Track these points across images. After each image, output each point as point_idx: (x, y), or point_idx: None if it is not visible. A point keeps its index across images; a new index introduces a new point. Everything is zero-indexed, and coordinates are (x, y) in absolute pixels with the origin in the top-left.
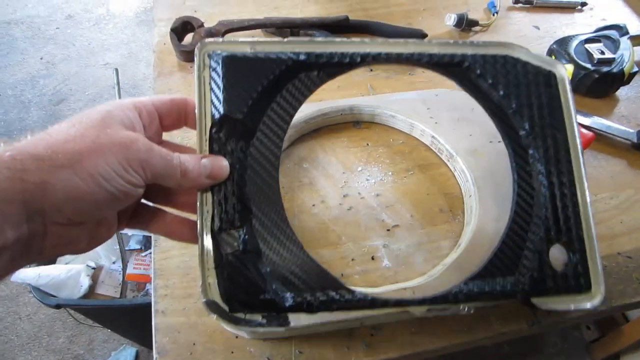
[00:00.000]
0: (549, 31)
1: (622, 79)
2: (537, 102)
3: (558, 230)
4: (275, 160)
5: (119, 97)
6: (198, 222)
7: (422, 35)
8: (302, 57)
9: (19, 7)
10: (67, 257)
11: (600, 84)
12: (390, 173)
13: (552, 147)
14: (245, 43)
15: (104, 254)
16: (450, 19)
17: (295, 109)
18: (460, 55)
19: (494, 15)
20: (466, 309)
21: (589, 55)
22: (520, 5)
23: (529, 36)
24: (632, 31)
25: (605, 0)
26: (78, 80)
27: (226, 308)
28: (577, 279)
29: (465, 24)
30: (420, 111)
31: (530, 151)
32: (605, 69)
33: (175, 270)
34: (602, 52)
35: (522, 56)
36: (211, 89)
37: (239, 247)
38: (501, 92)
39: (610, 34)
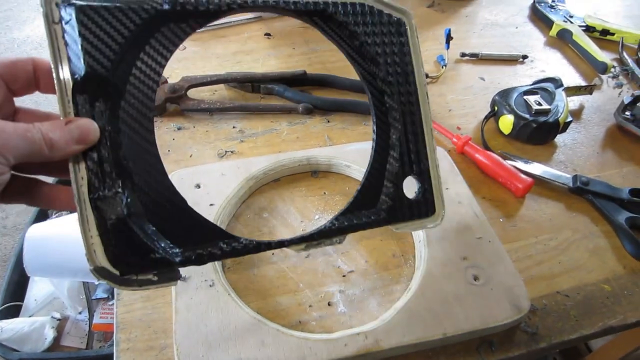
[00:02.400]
0: (493, 82)
1: (557, 127)
2: (390, 49)
3: (410, 163)
4: (149, 119)
5: None
6: (74, 190)
7: None
8: (165, 6)
9: None
10: (31, 309)
11: (538, 133)
12: None
13: (403, 91)
14: None
15: (70, 304)
16: None
17: (166, 60)
18: (322, 3)
19: (443, 67)
20: (338, 241)
21: (528, 106)
22: (467, 58)
23: (475, 87)
24: (567, 82)
25: (545, 54)
26: None
27: (117, 272)
28: (425, 205)
29: None
30: None
31: (386, 94)
32: (542, 119)
33: (137, 323)
34: (539, 104)
35: (375, 4)
36: (66, 44)
37: (122, 212)
38: (359, 40)
39: (546, 86)
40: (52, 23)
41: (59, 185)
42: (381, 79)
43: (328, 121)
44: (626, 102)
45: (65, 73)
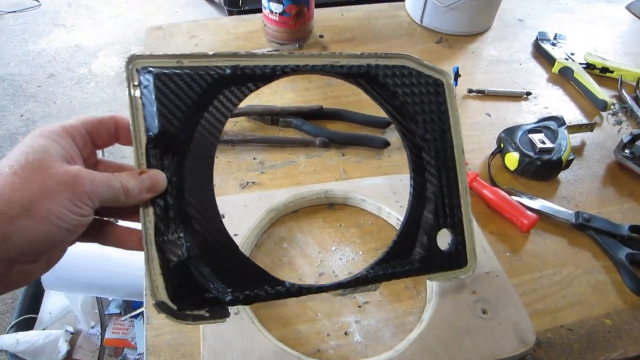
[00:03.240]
0: (499, 118)
1: (560, 165)
2: (429, 108)
3: (444, 216)
4: (209, 171)
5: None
6: (142, 232)
7: (387, 123)
8: (227, 71)
9: (1, 65)
10: (46, 322)
11: (542, 170)
12: (361, 252)
13: (440, 147)
14: (172, 57)
15: (83, 318)
16: None
17: (226, 118)
18: (366, 66)
19: None
20: (373, 288)
21: (532, 144)
22: (474, 94)
23: (482, 123)
24: (569, 119)
25: (547, 90)
26: None
27: (174, 307)
28: (457, 257)
29: None
30: (387, 195)
31: (424, 151)
32: (546, 157)
33: (166, 347)
34: (543, 142)
35: (416, 66)
36: (143, 105)
37: (182, 254)
38: (400, 100)
39: (549, 125)
40: (132, 86)
41: (130, 228)
42: (420, 135)
43: (343, 154)
44: (625, 140)
45: (140, 130)
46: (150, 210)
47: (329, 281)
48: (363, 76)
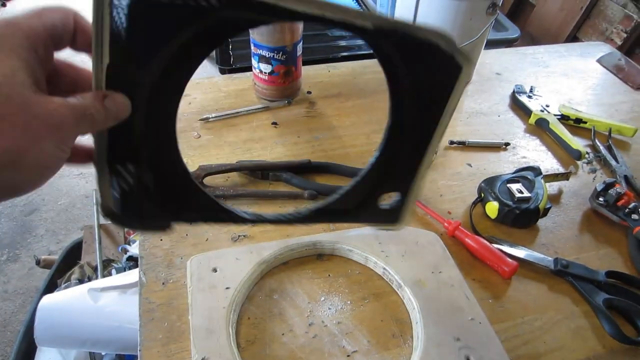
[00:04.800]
0: (479, 168)
1: (538, 214)
2: (438, 86)
3: (400, 182)
4: (175, 105)
5: (96, 215)
6: (95, 151)
7: None
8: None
9: None
10: None
11: (521, 218)
12: (349, 302)
13: (424, 123)
14: None
15: None
16: None
17: (206, 55)
18: (394, 30)
19: (434, 155)
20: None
21: (511, 194)
22: (455, 145)
23: (463, 173)
24: (546, 168)
25: (525, 141)
26: (51, 190)
27: (121, 214)
28: (394, 214)
29: None
30: (373, 245)
31: (408, 125)
32: (524, 206)
33: None
34: (521, 192)
35: (447, 48)
36: (112, 22)
37: (131, 182)
38: (412, 72)
39: (527, 175)
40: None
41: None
42: (411, 111)
43: None
44: (599, 189)
45: (103, 42)
46: (105, 134)
47: (318, 331)
48: (386, 39)
